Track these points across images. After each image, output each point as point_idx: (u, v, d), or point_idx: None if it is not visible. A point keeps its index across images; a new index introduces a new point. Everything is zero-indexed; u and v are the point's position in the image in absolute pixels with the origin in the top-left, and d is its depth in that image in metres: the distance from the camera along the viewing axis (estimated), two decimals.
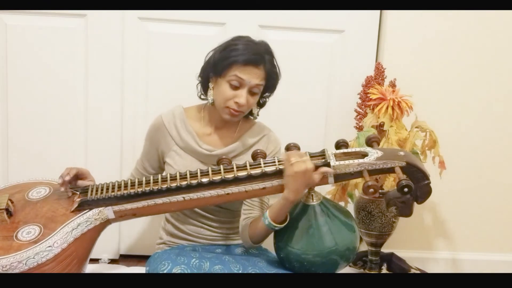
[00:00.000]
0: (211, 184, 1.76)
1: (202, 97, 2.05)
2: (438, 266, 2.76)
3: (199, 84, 2.04)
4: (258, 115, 2.05)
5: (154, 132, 2.06)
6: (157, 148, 2.05)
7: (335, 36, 2.59)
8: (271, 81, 1.96)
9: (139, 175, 2.10)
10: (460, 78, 2.62)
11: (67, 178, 1.84)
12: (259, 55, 1.89)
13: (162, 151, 2.04)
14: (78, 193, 1.84)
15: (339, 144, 1.82)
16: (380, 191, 2.01)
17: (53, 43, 2.50)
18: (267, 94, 2.03)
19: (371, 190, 1.66)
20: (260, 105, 2.06)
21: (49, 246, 1.67)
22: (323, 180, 1.75)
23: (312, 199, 1.80)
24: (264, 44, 1.96)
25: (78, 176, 1.90)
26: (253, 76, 1.88)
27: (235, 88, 1.90)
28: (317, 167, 1.73)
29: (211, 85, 1.97)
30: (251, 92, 1.91)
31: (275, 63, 1.97)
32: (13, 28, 2.48)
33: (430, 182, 1.72)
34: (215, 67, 1.93)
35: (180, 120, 2.03)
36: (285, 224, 1.80)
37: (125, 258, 2.68)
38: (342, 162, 1.72)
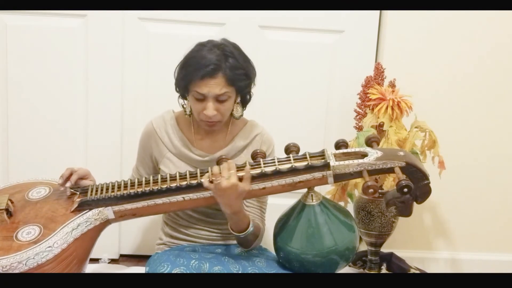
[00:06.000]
0: None
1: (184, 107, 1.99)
2: (438, 266, 2.76)
3: (179, 98, 1.99)
4: (242, 115, 1.98)
5: (146, 140, 2.04)
6: (151, 155, 2.04)
7: (335, 36, 2.59)
8: (239, 83, 1.86)
9: None
10: (460, 78, 2.62)
11: (68, 184, 1.84)
12: (213, 65, 1.81)
13: (156, 158, 2.03)
14: (78, 193, 1.84)
15: (339, 144, 1.82)
16: (379, 191, 2.01)
17: (53, 43, 2.50)
18: (244, 92, 1.94)
19: (371, 190, 1.66)
20: (243, 103, 1.98)
21: (49, 247, 1.67)
22: (323, 180, 1.75)
23: (312, 199, 1.80)
24: (222, 47, 1.86)
25: (79, 178, 1.89)
26: (212, 88, 1.82)
27: (201, 100, 1.86)
28: (241, 179, 1.73)
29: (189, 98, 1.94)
30: (218, 101, 1.85)
31: (241, 63, 1.86)
32: (13, 28, 2.48)
33: (429, 182, 1.72)
34: (179, 87, 1.93)
35: (171, 125, 2.01)
36: (246, 233, 1.82)
37: (125, 258, 2.68)
38: (341, 163, 1.72)
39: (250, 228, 1.82)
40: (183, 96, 1.96)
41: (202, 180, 1.75)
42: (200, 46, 1.88)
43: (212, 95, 1.83)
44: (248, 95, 1.97)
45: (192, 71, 1.83)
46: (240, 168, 1.77)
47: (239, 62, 1.86)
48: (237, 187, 1.71)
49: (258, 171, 1.75)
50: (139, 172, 2.08)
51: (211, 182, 1.74)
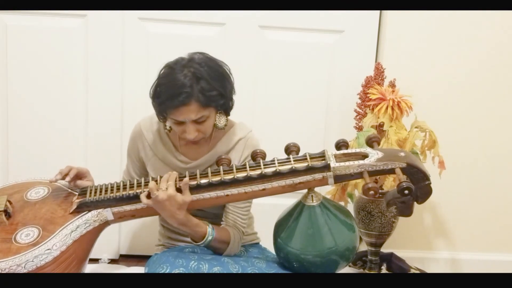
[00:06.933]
0: (210, 186, 1.75)
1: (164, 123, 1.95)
2: (438, 266, 2.76)
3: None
4: (226, 124, 1.91)
5: (134, 141, 2.02)
6: (138, 156, 2.02)
7: (335, 36, 2.59)
8: (214, 103, 1.80)
9: None
10: (460, 78, 2.62)
11: (68, 179, 1.84)
12: (184, 93, 1.74)
13: (143, 160, 2.02)
14: (77, 194, 1.84)
15: (339, 144, 1.81)
16: (380, 191, 2.01)
17: (53, 43, 2.50)
18: (223, 105, 1.86)
19: (371, 192, 1.65)
20: (226, 112, 1.91)
21: (48, 249, 1.66)
22: (323, 181, 1.75)
23: (312, 200, 1.79)
24: (192, 69, 1.77)
25: (78, 175, 1.89)
26: (188, 114, 1.78)
27: (180, 124, 1.82)
28: (179, 189, 1.72)
29: None
30: (197, 122, 1.81)
31: (213, 84, 1.78)
32: (13, 28, 2.48)
33: (430, 183, 1.71)
34: (156, 111, 1.88)
35: (157, 128, 1.99)
36: (205, 241, 1.80)
37: (125, 258, 2.68)
38: (342, 164, 1.71)
39: (208, 237, 1.81)
40: (161, 115, 1.89)
41: (140, 197, 1.74)
42: (169, 69, 1.81)
43: (189, 120, 1.80)
44: (228, 105, 1.90)
45: (164, 100, 1.78)
46: (240, 169, 1.77)
47: (211, 83, 1.78)
48: (175, 198, 1.70)
49: (258, 172, 1.75)
50: (129, 173, 2.07)
51: (148, 197, 1.73)
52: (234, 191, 1.75)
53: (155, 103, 1.85)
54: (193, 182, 1.76)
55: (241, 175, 1.75)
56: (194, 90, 1.76)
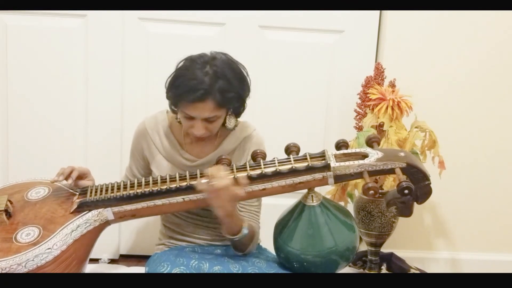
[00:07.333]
0: None
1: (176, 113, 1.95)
2: (438, 266, 2.76)
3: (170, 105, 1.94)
4: (236, 124, 1.93)
5: (138, 139, 2.02)
6: (142, 155, 2.02)
7: (335, 36, 2.59)
8: (229, 105, 1.82)
9: None
10: (460, 78, 2.62)
11: (70, 181, 1.83)
12: (202, 90, 1.74)
13: (147, 159, 2.02)
14: (77, 193, 1.84)
15: (339, 144, 1.81)
16: (380, 191, 2.01)
17: (53, 43, 2.50)
18: (237, 108, 1.89)
19: (371, 192, 1.65)
20: (236, 115, 1.93)
21: (49, 248, 1.66)
22: (323, 181, 1.75)
23: (312, 200, 1.80)
24: (214, 67, 1.78)
25: (79, 176, 1.89)
26: (202, 111, 1.78)
27: (190, 119, 1.82)
28: (237, 181, 1.72)
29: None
30: (207, 121, 1.82)
31: (233, 85, 1.79)
32: (13, 28, 2.48)
33: (430, 183, 1.72)
34: (169, 103, 1.89)
35: (162, 126, 1.99)
36: (242, 234, 1.80)
37: (125, 258, 2.68)
38: (342, 164, 1.72)
39: (244, 231, 1.81)
40: (174, 107, 1.91)
41: (197, 182, 1.73)
42: (191, 62, 1.82)
43: (201, 117, 1.81)
44: (241, 108, 1.92)
45: (181, 93, 1.78)
46: (240, 169, 1.77)
47: (231, 83, 1.79)
48: (231, 188, 1.70)
49: (258, 172, 1.75)
50: (132, 171, 2.07)
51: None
52: None
53: (171, 94, 1.84)
54: (193, 182, 1.76)
55: (241, 175, 1.75)
56: (213, 88, 1.76)
